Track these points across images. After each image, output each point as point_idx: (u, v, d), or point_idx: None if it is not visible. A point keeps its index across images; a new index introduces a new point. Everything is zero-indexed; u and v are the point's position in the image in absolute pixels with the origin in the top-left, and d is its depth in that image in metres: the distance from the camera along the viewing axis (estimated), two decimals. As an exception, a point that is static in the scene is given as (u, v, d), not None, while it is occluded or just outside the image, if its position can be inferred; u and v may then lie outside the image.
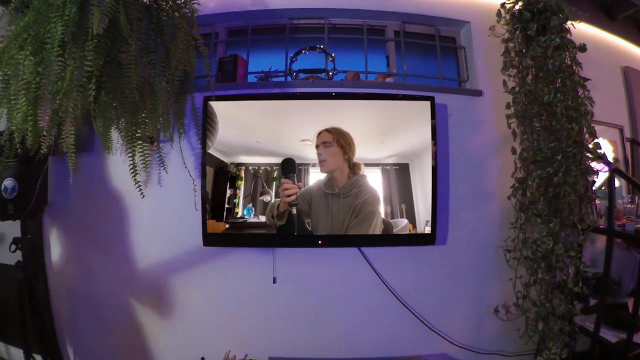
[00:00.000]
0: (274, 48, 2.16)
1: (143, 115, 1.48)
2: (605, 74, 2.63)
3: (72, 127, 1.38)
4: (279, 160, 1.74)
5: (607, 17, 2.81)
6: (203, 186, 1.76)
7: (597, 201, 2.05)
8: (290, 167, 1.72)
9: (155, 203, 1.89)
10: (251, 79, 2.06)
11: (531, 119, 1.70)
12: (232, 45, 2.23)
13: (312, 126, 1.75)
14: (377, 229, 1.73)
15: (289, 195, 1.70)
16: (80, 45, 1.31)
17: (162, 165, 1.75)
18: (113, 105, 1.48)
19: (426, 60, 2.26)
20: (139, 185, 1.56)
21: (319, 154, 1.74)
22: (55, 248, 1.99)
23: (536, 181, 1.63)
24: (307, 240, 1.74)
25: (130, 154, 1.53)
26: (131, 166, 1.53)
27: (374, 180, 1.76)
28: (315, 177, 1.75)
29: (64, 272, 1.97)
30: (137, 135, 1.55)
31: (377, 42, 2.24)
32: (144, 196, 1.59)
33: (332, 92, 1.79)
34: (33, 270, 1.86)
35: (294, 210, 1.71)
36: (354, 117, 1.76)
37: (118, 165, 1.90)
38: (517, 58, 1.86)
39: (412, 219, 1.77)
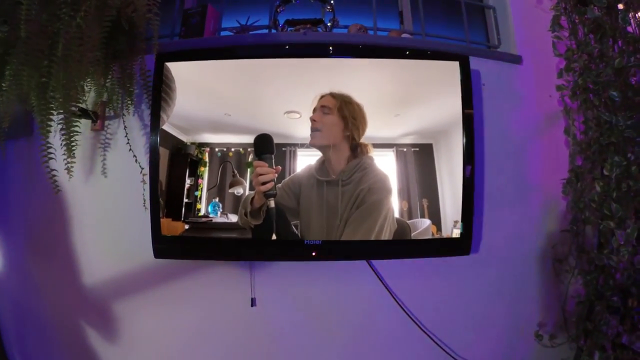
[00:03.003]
0: (257, 5, 1.70)
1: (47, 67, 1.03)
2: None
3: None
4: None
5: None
6: (154, 174, 1.31)
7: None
8: (265, 146, 1.27)
9: (100, 199, 1.47)
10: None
11: (603, 87, 1.28)
12: (204, -1, 1.79)
13: (302, 93, 1.30)
14: (388, 231, 1.28)
15: (264, 183, 1.25)
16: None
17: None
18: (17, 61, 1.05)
19: (447, 23, 1.86)
20: (53, 176, 1.14)
21: (312, 120, 1.29)
22: (-3, 253, 1.61)
23: (616, 171, 1.19)
24: (296, 251, 1.30)
25: (42, 131, 1.10)
26: (43, 148, 1.11)
27: (387, 166, 1.31)
28: (305, 162, 1.30)
29: (7, 282, 1.59)
30: (53, 105, 1.11)
31: (387, -5, 1.79)
32: (58, 191, 1.17)
33: (332, 45, 1.35)
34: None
35: (272, 204, 1.25)
36: (360, 81, 1.32)
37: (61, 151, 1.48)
38: (571, 13, 1.46)
39: (435, 219, 1.33)
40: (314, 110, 1.30)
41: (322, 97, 1.31)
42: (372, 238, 1.28)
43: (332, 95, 1.30)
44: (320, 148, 1.31)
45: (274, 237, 1.28)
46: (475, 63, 1.49)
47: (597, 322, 1.37)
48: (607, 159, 1.26)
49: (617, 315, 1.36)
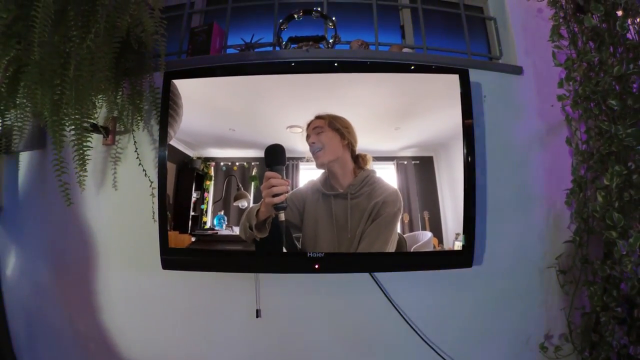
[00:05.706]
0: (261, 22, 1.77)
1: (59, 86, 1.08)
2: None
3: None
4: (258, 153, 1.31)
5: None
6: (162, 188, 1.35)
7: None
8: (277, 157, 1.27)
9: (111, 212, 1.52)
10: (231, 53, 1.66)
11: (602, 96, 1.28)
12: (210, 16, 1.84)
13: (304, 108, 1.33)
14: (393, 244, 1.30)
15: (275, 195, 1.24)
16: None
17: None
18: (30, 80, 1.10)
19: (448, 36, 1.85)
20: (66, 189, 1.17)
21: (311, 144, 1.30)
22: (10, 260, 1.66)
23: (616, 180, 1.19)
24: (299, 263, 1.30)
25: (55, 146, 1.15)
26: (56, 162, 1.15)
27: (387, 179, 1.33)
28: (307, 175, 1.32)
29: (19, 289, 1.65)
30: (66, 121, 1.16)
31: (389, 9, 1.82)
32: (71, 204, 1.21)
33: (334, 62, 1.38)
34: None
35: (282, 217, 1.25)
36: (360, 95, 1.34)
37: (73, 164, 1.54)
38: (571, 22, 1.47)
39: (437, 231, 1.33)
40: (308, 137, 1.32)
41: (308, 124, 1.34)
42: (388, 250, 1.29)
43: (319, 117, 1.33)
44: (326, 165, 1.32)
45: (284, 249, 1.29)
46: (476, 75, 1.50)
47: (603, 334, 1.33)
48: (608, 169, 1.25)
49: (623, 327, 1.33)
